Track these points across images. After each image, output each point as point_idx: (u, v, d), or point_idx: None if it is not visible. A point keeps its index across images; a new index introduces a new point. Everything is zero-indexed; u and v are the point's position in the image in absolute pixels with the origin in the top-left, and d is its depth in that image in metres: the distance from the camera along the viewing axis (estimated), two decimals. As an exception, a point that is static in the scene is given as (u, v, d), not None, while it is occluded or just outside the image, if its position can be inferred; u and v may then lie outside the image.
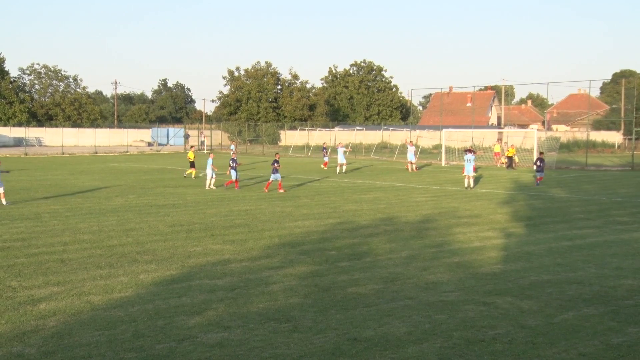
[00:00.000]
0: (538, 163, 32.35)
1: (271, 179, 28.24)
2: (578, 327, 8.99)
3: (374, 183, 32.73)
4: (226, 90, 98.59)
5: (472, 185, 29.99)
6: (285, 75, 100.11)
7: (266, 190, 27.42)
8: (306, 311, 9.79)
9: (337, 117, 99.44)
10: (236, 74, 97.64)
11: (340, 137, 75.70)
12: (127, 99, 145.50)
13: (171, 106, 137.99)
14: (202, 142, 79.33)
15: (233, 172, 28.99)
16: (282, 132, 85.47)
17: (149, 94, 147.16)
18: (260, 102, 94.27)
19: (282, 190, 27.47)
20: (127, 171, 40.82)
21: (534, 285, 11.39)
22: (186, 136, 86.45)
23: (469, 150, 31.82)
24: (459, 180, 33.64)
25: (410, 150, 41.69)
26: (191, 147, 40.84)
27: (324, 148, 44.90)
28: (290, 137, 79.00)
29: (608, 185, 31.33)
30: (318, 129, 79.26)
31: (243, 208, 22.08)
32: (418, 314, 9.60)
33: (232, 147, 48.67)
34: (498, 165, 48.55)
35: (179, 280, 11.68)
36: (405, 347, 8.18)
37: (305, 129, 78.63)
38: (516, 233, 17.09)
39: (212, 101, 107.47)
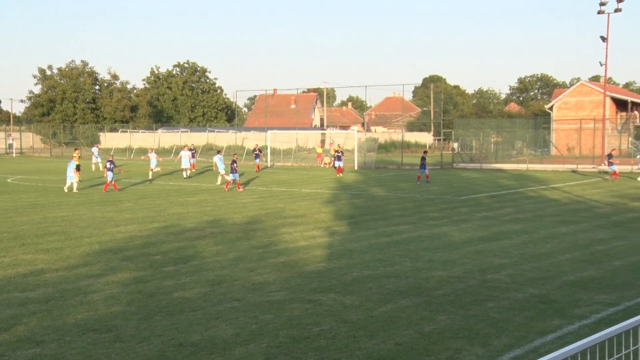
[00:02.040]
0: (421, 161, 34.90)
1: (230, 178, 29.55)
2: (395, 319, 9.51)
3: (200, 185, 32.33)
4: (37, 89, 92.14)
5: (220, 182, 32.04)
6: (103, 75, 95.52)
7: (226, 190, 28.78)
8: (129, 319, 9.40)
9: (160, 118, 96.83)
10: (48, 72, 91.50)
11: (165, 139, 73.86)
12: None
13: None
14: (10, 146, 73.42)
15: (110, 174, 28.88)
16: (101, 134, 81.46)
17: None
18: (76, 103, 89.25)
19: (241, 189, 29.01)
20: None
21: (356, 280, 11.89)
22: (-8, 138, 79.46)
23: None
24: (284, 182, 34.31)
25: (185, 155, 41.30)
26: (75, 149, 37.61)
27: (191, 150, 44.27)
28: (111, 140, 75.52)
29: (421, 184, 33.59)
30: (141, 130, 76.63)
31: (59, 214, 20.74)
32: (245, 316, 9.61)
33: (94, 149, 46.48)
34: (322, 165, 50.21)
35: (-16, 296, 10.68)
36: (232, 349, 8.14)
37: (127, 131, 75.64)
38: (339, 231, 17.74)
39: (22, 101, 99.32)
